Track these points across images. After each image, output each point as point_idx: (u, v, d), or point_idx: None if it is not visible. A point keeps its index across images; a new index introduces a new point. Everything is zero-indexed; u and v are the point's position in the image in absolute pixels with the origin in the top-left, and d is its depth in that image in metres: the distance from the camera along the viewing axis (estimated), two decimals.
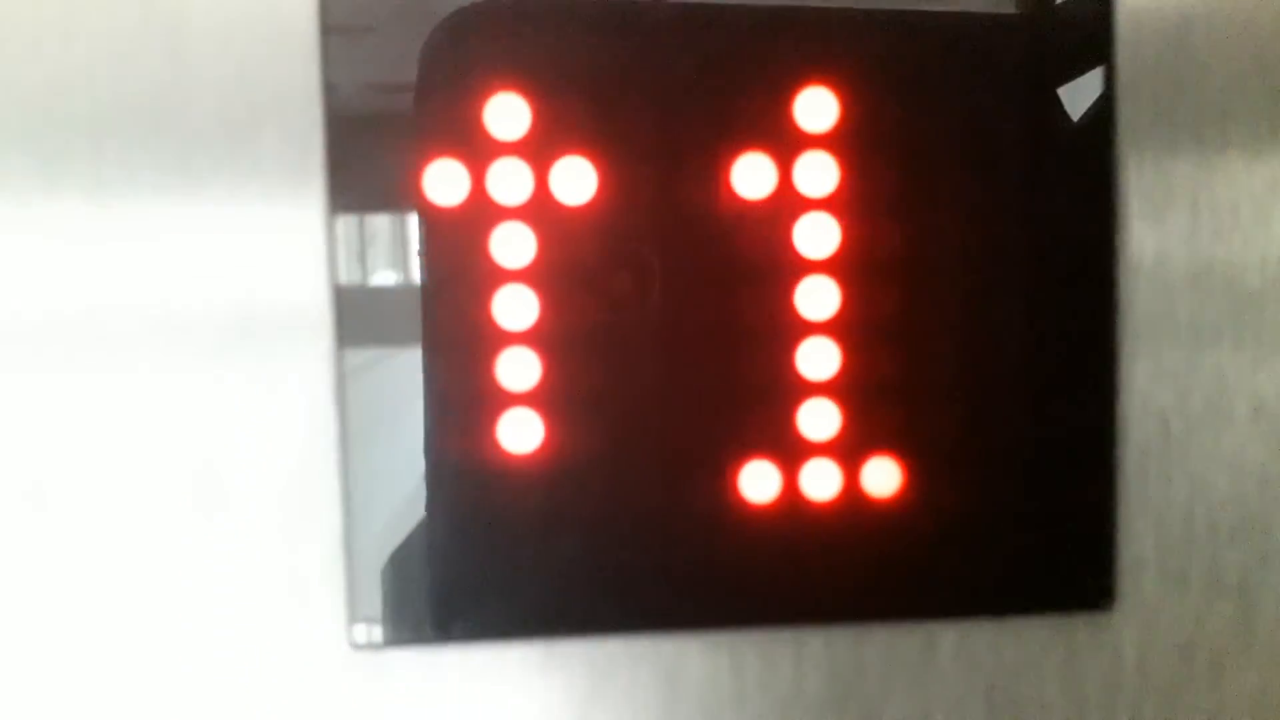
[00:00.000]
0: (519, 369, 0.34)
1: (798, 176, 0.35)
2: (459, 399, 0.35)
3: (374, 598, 0.34)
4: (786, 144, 0.35)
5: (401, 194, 0.34)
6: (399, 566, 0.34)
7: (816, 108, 0.35)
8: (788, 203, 0.35)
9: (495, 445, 0.34)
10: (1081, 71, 0.35)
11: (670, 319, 0.35)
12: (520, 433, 0.34)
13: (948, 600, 0.36)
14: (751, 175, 0.35)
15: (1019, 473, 0.35)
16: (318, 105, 0.33)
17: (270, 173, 0.33)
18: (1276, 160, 0.36)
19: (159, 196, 0.32)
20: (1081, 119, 0.35)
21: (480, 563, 0.35)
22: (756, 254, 0.35)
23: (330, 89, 0.33)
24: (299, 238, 0.33)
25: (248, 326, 0.33)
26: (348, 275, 0.34)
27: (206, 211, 0.33)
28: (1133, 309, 0.35)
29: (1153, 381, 0.35)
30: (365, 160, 0.34)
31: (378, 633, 0.34)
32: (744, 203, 0.35)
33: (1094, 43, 0.35)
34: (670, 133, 0.35)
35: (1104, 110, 0.35)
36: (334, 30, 0.33)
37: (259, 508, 0.33)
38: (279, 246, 0.33)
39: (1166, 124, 0.35)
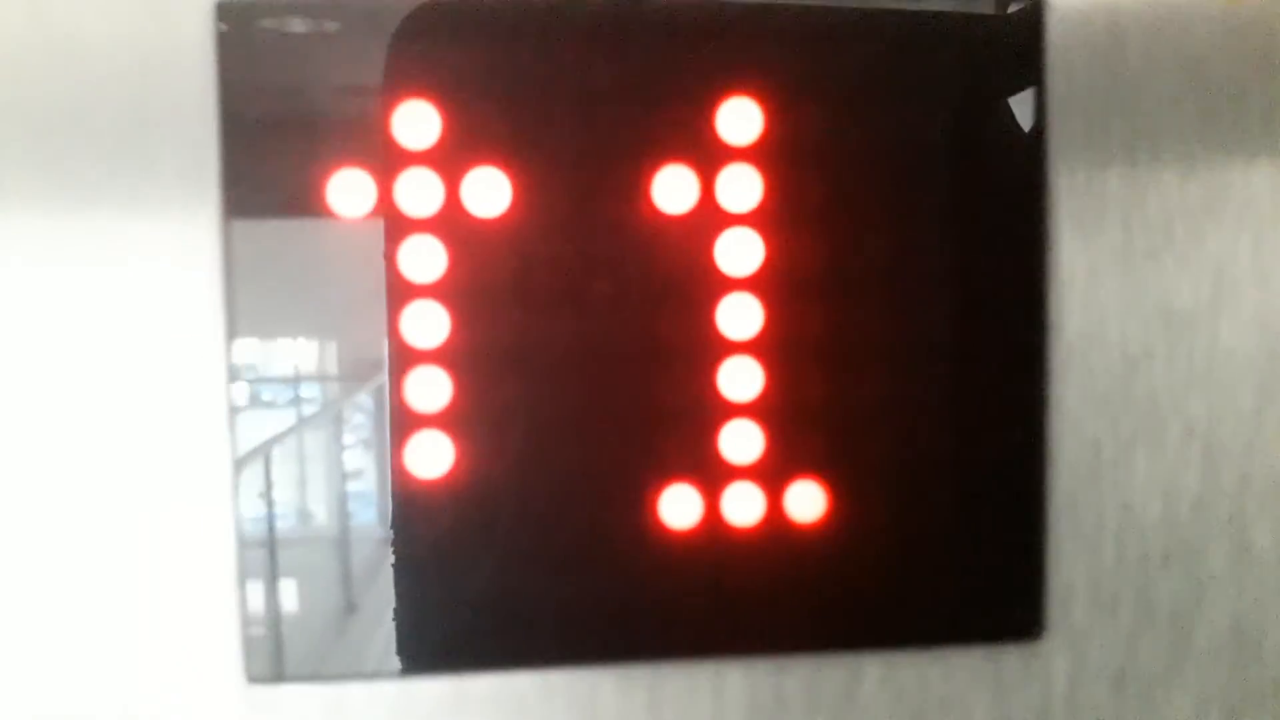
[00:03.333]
0: (428, 389, 0.33)
1: (720, 190, 0.34)
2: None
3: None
4: (709, 156, 0.33)
5: (302, 204, 0.32)
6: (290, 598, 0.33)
7: (740, 119, 0.33)
8: (710, 217, 0.34)
9: (402, 469, 0.33)
10: (1013, 85, 0.34)
11: (587, 337, 0.33)
12: (429, 456, 0.33)
13: (873, 630, 0.34)
14: (673, 188, 0.33)
15: (946, 498, 0.34)
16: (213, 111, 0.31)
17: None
18: (1210, 177, 0.35)
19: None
20: (1012, 133, 0.34)
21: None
22: (677, 270, 0.34)
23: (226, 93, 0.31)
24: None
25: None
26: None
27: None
28: (1063, 329, 0.34)
29: (1083, 404, 0.34)
30: (264, 168, 0.32)
31: (271, 668, 0.32)
32: (665, 217, 0.33)
33: (1025, 56, 0.34)
34: (588, 142, 0.33)
35: (1035, 125, 0.34)
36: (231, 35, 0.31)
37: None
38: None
39: (1099, 140, 0.34)
